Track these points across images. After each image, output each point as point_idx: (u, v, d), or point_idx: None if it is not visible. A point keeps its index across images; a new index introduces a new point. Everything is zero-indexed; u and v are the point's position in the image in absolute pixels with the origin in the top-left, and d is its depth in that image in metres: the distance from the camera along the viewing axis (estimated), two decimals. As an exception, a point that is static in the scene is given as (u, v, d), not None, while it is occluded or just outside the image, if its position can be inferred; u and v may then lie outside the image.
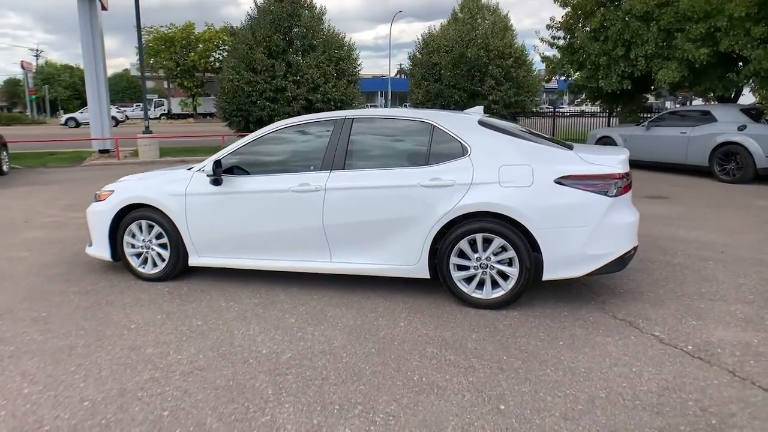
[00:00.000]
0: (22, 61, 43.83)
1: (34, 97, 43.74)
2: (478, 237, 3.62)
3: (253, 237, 4.11)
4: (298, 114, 17.41)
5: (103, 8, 15.48)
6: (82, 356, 3.07)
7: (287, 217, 3.97)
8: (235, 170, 4.20)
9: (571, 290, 4.04)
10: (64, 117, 38.92)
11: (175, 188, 4.23)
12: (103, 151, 15.49)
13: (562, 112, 21.66)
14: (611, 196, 3.48)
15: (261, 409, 2.50)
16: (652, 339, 3.21)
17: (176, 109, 47.23)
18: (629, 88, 12.47)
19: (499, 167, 3.60)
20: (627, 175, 3.63)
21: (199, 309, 3.78)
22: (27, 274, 4.64)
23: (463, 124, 3.85)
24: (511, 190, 3.54)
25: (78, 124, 36.42)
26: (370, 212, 3.80)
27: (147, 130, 15.97)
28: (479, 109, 4.55)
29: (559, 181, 3.50)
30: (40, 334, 3.39)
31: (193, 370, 2.88)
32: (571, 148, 3.82)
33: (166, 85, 53.42)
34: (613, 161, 3.62)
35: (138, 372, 2.86)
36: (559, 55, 14.29)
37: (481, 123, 3.86)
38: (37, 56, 66.04)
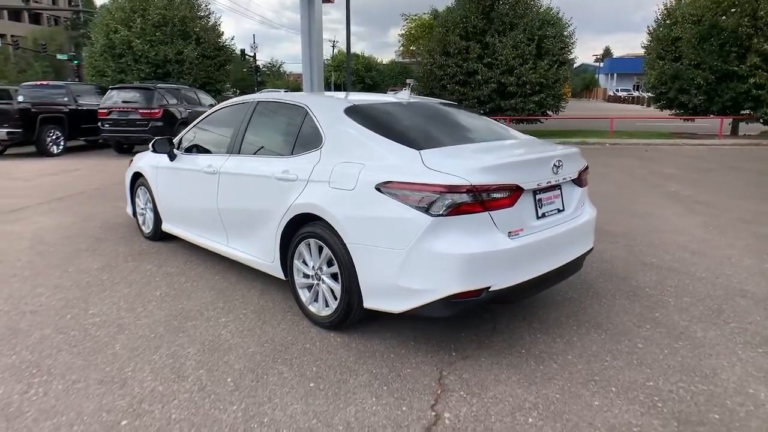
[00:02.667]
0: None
1: (319, 81, 52.90)
2: (312, 242, 3.14)
3: (186, 210, 4.43)
4: (488, 98, 16.78)
5: (327, 0, 17.63)
6: (6, 284, 3.94)
7: (200, 196, 4.14)
8: (194, 148, 4.55)
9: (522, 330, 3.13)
10: None
11: (155, 160, 4.84)
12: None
13: None
14: (435, 215, 2.55)
15: (-7, 356, 2.85)
16: (425, 412, 2.31)
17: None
18: None
19: (335, 165, 3.02)
20: (484, 189, 2.58)
21: (131, 268, 4.33)
22: (109, 221, 5.96)
23: (329, 110, 3.33)
24: (335, 192, 2.95)
25: None
26: (244, 200, 3.68)
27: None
28: (405, 93, 3.79)
29: (379, 188, 2.73)
30: (24, 262, 4.46)
31: (26, 313, 3.41)
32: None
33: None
34: (464, 168, 2.62)
35: (0, 305, 3.56)
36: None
37: (350, 109, 3.26)
38: (333, 46, 79.26)
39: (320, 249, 3.10)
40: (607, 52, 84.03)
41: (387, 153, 2.88)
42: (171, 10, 15.54)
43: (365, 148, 2.97)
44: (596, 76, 77.48)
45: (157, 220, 4.94)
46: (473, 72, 16.60)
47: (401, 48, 52.73)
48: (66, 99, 12.57)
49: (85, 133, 13.02)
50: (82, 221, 5.89)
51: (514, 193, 2.69)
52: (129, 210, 5.52)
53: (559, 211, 3.06)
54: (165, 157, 4.66)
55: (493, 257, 2.60)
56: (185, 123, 12.75)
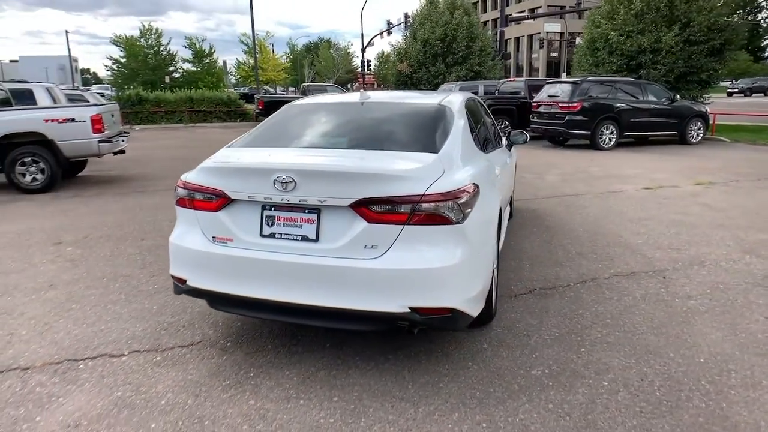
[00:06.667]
0: None
1: None
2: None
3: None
4: None
5: None
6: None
7: None
8: None
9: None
10: None
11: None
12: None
13: None
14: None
15: None
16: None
17: None
18: None
19: None
20: (190, 188, 2.67)
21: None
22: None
23: None
24: None
25: None
26: None
27: None
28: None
29: None
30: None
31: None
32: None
33: None
34: (198, 166, 2.73)
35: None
36: None
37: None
38: None
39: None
40: None
41: None
42: (660, -5, 14.33)
43: None
44: None
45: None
46: None
47: None
48: (522, 93, 14.57)
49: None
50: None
51: (220, 199, 2.52)
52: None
53: (306, 239, 2.39)
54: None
55: (189, 254, 2.63)
56: (613, 119, 12.10)
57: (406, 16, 30.46)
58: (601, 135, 12.18)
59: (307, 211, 2.42)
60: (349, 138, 2.94)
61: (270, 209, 2.48)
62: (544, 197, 6.97)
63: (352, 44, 57.01)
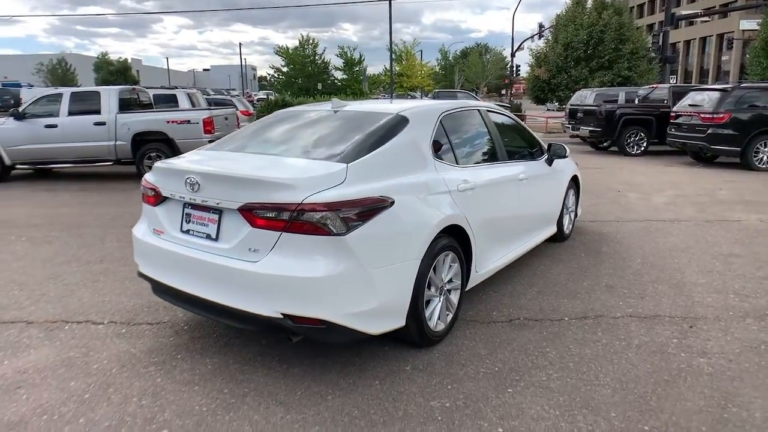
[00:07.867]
0: None
1: None
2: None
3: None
4: None
5: None
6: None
7: None
8: None
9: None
10: None
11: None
12: None
13: None
14: None
15: None
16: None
17: None
18: None
19: None
20: (144, 183, 2.99)
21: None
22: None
23: None
24: None
25: None
26: None
27: None
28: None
29: None
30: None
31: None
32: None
33: None
34: None
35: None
36: None
37: None
38: None
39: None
40: None
41: None
42: None
43: None
44: None
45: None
46: None
47: None
48: (665, 101, 12.77)
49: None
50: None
51: (157, 195, 2.81)
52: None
53: (209, 237, 2.56)
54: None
55: (138, 243, 2.98)
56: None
57: (558, 17, 28.80)
58: (757, 152, 10.18)
59: (212, 211, 2.60)
60: (286, 145, 3.04)
61: (188, 207, 2.72)
62: (629, 220, 6.13)
63: (504, 48, 55.55)
